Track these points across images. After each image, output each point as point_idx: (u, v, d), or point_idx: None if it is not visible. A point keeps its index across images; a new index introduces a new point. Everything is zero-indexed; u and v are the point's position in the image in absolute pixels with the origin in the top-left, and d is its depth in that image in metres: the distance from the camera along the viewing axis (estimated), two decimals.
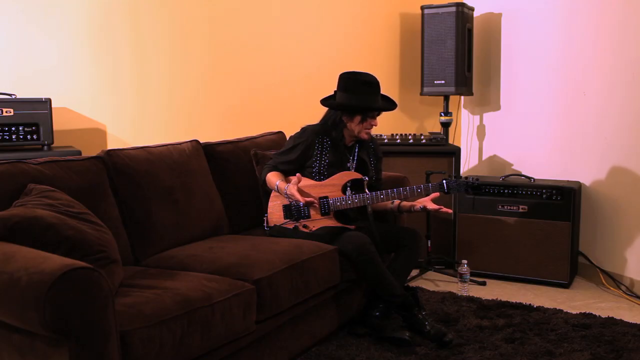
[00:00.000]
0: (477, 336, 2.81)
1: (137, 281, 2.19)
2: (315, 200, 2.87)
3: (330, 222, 2.89)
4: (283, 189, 2.88)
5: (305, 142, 2.97)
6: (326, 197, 2.89)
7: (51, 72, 3.19)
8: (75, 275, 1.61)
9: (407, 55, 4.56)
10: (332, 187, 2.91)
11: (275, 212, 2.99)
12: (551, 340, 2.76)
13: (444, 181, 2.87)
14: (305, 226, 2.91)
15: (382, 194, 2.86)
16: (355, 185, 2.95)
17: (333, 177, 2.94)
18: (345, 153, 3.03)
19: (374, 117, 2.97)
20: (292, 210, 2.94)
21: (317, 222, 2.90)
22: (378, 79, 2.95)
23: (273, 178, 2.97)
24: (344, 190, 2.92)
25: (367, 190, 2.90)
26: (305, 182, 2.92)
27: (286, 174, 3.00)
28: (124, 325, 1.78)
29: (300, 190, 2.83)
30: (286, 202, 2.95)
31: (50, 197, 2.13)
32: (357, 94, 2.91)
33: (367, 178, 2.94)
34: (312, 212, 2.91)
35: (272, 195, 3.02)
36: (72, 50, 3.24)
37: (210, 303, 2.06)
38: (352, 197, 2.88)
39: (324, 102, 3.02)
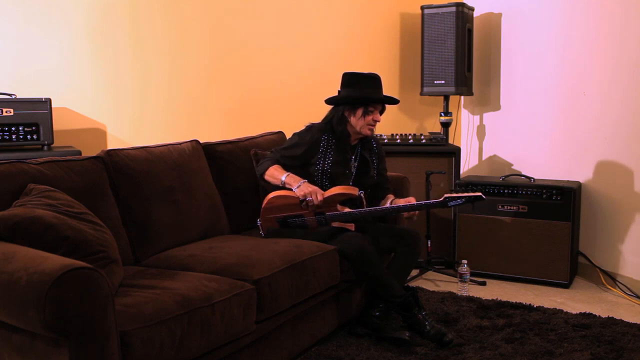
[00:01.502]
0: (477, 336, 2.81)
1: (137, 281, 2.19)
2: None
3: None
4: (293, 183, 2.85)
5: (311, 138, 2.95)
6: (322, 213, 2.86)
7: (51, 72, 3.18)
8: (75, 275, 1.61)
9: (407, 55, 4.56)
10: (329, 204, 2.85)
11: (268, 222, 2.93)
12: (551, 340, 2.76)
13: (446, 198, 2.81)
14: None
15: (381, 211, 2.86)
16: (352, 201, 2.93)
17: (330, 190, 2.86)
18: (349, 152, 3.02)
19: (377, 112, 2.96)
20: (288, 225, 2.91)
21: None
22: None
23: (277, 172, 2.93)
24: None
25: (365, 205, 2.90)
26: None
27: (287, 170, 2.96)
28: (124, 325, 1.78)
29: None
30: (279, 216, 2.89)
31: (50, 197, 2.14)
32: (358, 87, 2.93)
33: (363, 192, 2.91)
34: (310, 225, 2.89)
35: (263, 207, 2.92)
36: (72, 50, 3.24)
37: (210, 303, 2.06)
38: (350, 213, 2.85)
39: (328, 100, 3.02)
